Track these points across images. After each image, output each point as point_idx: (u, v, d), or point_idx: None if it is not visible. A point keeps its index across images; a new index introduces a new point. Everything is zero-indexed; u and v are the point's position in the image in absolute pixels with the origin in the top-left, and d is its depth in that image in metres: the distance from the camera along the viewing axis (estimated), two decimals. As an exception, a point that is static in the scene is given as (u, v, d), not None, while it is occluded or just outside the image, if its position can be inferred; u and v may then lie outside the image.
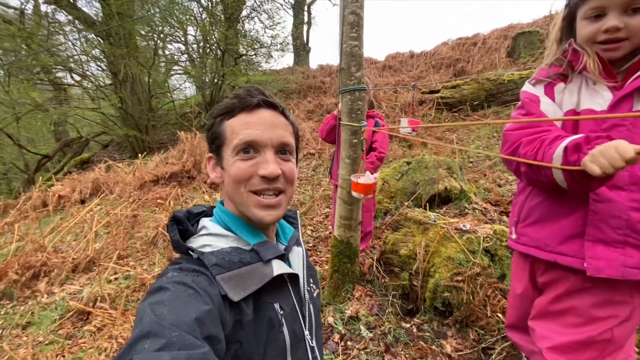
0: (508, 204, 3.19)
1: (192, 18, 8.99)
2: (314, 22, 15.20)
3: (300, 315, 0.65)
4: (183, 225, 0.61)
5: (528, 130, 0.91)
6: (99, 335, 2.30)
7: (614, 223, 0.84)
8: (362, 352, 1.78)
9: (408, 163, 3.65)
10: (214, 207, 0.68)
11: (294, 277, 0.66)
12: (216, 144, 0.62)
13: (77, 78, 8.83)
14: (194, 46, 10.35)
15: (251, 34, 10.19)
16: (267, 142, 0.59)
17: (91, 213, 4.40)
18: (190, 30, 9.68)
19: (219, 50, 9.38)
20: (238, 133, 0.59)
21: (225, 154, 0.61)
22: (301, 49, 14.66)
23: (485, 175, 4.12)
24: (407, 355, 1.71)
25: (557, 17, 0.98)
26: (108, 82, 8.98)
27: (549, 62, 1.00)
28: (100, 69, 8.73)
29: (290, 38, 12.95)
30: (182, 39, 9.85)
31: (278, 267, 0.60)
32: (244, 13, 10.17)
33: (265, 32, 10.74)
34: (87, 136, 9.88)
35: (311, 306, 0.68)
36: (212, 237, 0.60)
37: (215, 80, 9.73)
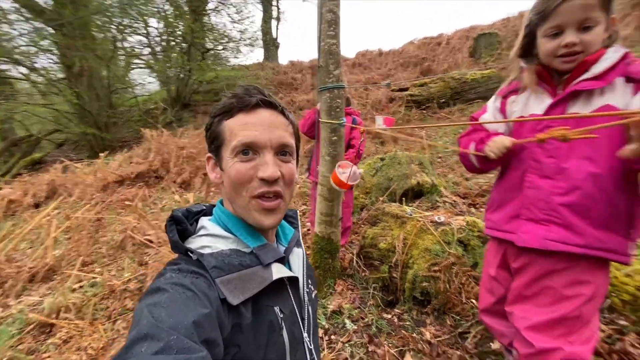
0: (475, 197, 3.38)
1: (155, 10, 8.53)
2: (283, 17, 15.01)
3: (299, 318, 0.64)
4: (181, 225, 0.59)
5: (468, 136, 1.25)
6: (65, 347, 2.15)
7: (540, 205, 1.02)
8: (346, 344, 1.81)
9: (382, 159, 3.75)
10: (214, 205, 0.67)
11: (293, 280, 0.65)
12: (215, 144, 0.61)
13: (25, 71, 8.07)
14: (157, 39, 9.83)
15: (218, 27, 9.88)
16: (266, 143, 0.58)
17: (48, 218, 4.06)
18: (153, 22, 9.19)
19: (184, 44, 9.00)
20: (237, 134, 0.57)
21: (225, 155, 0.59)
22: (271, 45, 14.44)
23: (453, 169, 4.32)
24: (389, 345, 1.77)
25: (518, 38, 1.12)
26: (61, 76, 8.29)
27: (512, 78, 1.17)
28: (52, 61, 8.05)
29: (259, 33, 12.72)
30: (144, 30, 9.31)
31: (277, 271, 0.59)
32: (211, 6, 9.83)
33: (233, 27, 10.46)
34: (37, 134, 9.09)
35: (310, 308, 0.68)
36: (211, 238, 0.59)
37: (181, 75, 9.33)
